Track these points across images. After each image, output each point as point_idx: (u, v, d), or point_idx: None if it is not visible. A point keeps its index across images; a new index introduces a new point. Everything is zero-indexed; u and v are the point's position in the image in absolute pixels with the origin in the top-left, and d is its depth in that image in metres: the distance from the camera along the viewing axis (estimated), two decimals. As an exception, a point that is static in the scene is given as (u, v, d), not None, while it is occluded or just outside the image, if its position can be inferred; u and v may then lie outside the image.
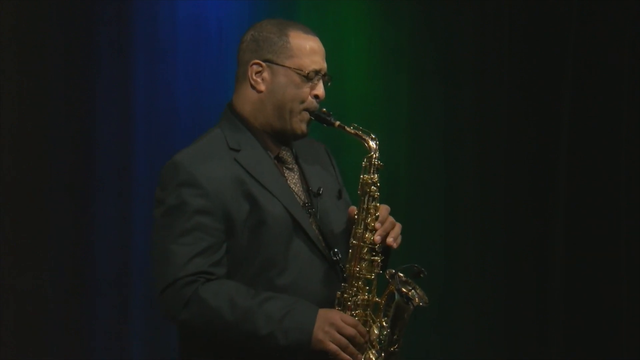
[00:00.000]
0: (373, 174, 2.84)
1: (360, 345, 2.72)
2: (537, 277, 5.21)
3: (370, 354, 2.77)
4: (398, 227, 2.84)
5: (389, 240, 2.80)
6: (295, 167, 2.90)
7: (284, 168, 2.87)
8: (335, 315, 2.72)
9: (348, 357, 2.70)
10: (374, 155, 2.84)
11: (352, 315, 2.77)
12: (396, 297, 2.76)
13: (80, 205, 4.35)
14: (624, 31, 5.10)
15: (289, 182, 2.85)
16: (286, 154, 2.89)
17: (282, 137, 2.87)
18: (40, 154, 4.26)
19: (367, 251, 2.80)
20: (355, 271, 2.79)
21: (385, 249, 2.84)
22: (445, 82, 5.22)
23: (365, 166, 2.85)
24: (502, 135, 5.22)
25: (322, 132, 2.98)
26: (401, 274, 2.77)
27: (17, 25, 4.20)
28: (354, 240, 2.80)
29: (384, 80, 5.12)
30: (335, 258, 2.81)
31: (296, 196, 2.84)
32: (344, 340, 2.69)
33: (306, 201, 2.85)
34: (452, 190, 5.20)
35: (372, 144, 2.85)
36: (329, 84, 2.89)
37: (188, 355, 2.80)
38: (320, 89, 2.85)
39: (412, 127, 5.11)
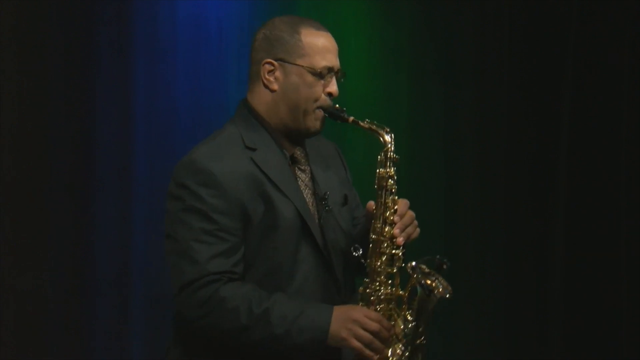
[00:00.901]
0: (389, 167, 2.83)
1: (385, 339, 2.70)
2: (537, 277, 5.21)
3: (397, 348, 2.75)
4: (414, 224, 2.82)
5: (399, 240, 2.78)
6: (308, 169, 2.89)
7: (297, 169, 2.86)
8: (357, 311, 2.70)
9: (371, 353, 2.68)
10: (390, 149, 2.83)
11: (375, 310, 2.75)
12: (419, 289, 2.74)
13: (80, 205, 4.34)
14: (624, 31, 5.10)
15: (300, 183, 2.85)
16: (300, 154, 2.88)
17: (296, 136, 2.86)
18: (40, 154, 4.25)
19: (387, 245, 2.78)
20: (376, 266, 2.77)
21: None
22: (445, 82, 5.22)
23: (381, 160, 2.84)
24: (502, 135, 5.22)
25: (326, 133, 2.97)
26: (423, 266, 2.75)
27: (17, 25, 4.19)
28: (374, 235, 2.79)
29: (384, 80, 5.12)
30: (355, 254, 2.80)
31: (307, 199, 2.83)
32: (367, 336, 2.67)
33: (315, 205, 2.84)
34: (452, 190, 5.20)
35: (387, 137, 2.84)
36: (342, 80, 2.87)
37: (180, 355, 2.79)
38: (333, 87, 2.83)
39: (412, 127, 5.11)
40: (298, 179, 2.85)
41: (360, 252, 2.81)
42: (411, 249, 2.85)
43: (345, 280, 2.85)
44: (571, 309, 5.14)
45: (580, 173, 5.15)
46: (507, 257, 5.21)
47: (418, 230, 2.84)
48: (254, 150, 2.78)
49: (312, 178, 2.88)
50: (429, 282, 2.73)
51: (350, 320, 2.67)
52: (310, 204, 2.83)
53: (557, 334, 5.16)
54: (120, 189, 4.43)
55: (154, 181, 4.41)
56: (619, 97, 5.11)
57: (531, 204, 5.22)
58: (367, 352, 2.68)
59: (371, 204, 2.83)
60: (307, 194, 2.84)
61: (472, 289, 5.13)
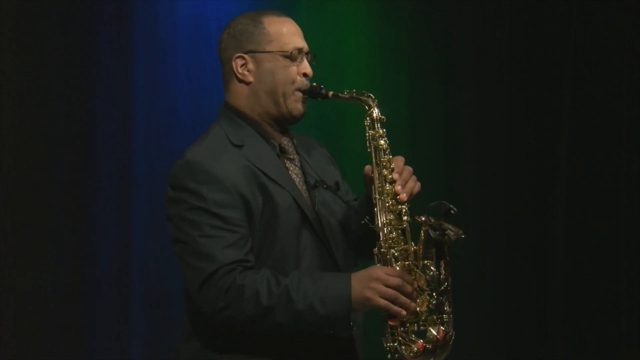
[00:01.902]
0: (378, 128, 2.84)
1: (409, 293, 2.69)
2: (537, 277, 5.21)
3: (423, 299, 2.74)
4: (413, 178, 2.84)
5: (402, 197, 2.79)
6: (297, 158, 2.91)
7: (286, 159, 2.88)
8: (376, 270, 2.69)
9: (399, 309, 2.67)
10: (374, 111, 2.84)
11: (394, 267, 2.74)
12: (431, 235, 2.75)
13: (80, 205, 4.34)
14: (624, 31, 5.10)
15: (290, 172, 2.86)
16: (287, 144, 2.90)
17: (282, 123, 2.88)
18: (40, 154, 4.25)
19: (392, 203, 2.79)
20: (385, 225, 2.78)
21: None
22: (445, 82, 5.22)
23: (368, 124, 2.85)
24: (502, 135, 5.21)
25: (324, 134, 2.98)
26: (430, 217, 2.75)
27: (17, 25, 4.19)
28: (376, 196, 2.79)
29: (384, 80, 5.12)
30: (363, 221, 2.80)
31: (299, 187, 2.85)
32: (392, 292, 2.66)
33: (307, 192, 2.86)
34: (452, 190, 5.19)
35: (370, 101, 2.86)
36: (313, 62, 2.90)
37: (195, 350, 2.79)
38: (307, 68, 2.87)
39: (412, 127, 5.11)
40: (287, 168, 2.87)
41: (368, 219, 2.80)
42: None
43: (346, 265, 2.86)
44: (571, 309, 5.14)
45: (580, 173, 5.15)
46: (507, 257, 5.21)
47: (419, 184, 2.85)
48: (241, 147, 2.80)
49: (302, 167, 2.90)
50: (438, 225, 2.75)
51: (371, 279, 2.66)
52: (303, 192, 2.85)
53: (557, 334, 5.15)
54: (120, 189, 4.43)
55: (154, 181, 4.41)
56: (619, 97, 5.11)
57: (531, 204, 5.22)
58: (395, 308, 2.67)
59: (368, 168, 2.84)
60: (299, 183, 2.86)
61: (472, 289, 5.13)
